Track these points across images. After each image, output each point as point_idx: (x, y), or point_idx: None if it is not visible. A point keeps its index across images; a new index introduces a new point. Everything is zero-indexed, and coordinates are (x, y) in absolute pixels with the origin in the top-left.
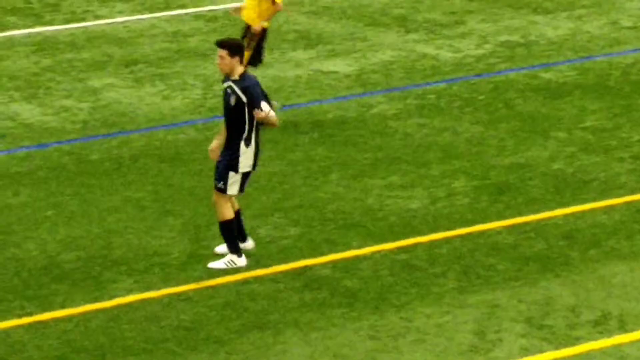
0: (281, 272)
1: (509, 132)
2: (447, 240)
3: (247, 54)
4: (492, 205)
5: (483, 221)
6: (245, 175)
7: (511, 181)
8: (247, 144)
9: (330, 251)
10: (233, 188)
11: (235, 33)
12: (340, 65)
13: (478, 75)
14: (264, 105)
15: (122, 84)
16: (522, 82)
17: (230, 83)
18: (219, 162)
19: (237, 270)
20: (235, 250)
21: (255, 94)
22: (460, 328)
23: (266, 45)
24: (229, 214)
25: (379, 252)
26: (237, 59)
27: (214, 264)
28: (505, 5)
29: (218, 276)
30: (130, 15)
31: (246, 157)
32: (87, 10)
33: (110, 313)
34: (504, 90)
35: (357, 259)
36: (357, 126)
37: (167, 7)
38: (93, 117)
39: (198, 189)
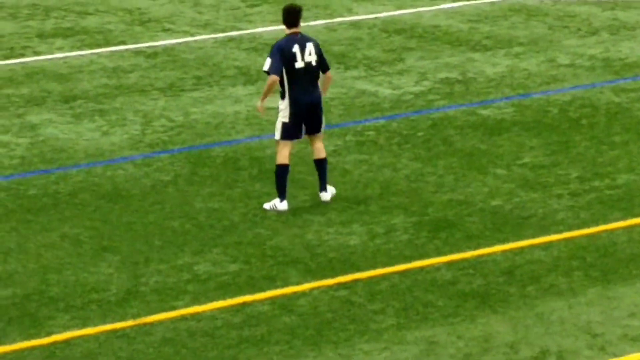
0: (219, 309)
1: (448, 169)
2: (386, 277)
3: None
4: (431, 241)
5: (422, 257)
6: (285, 125)
7: (450, 217)
8: (282, 98)
9: (269, 287)
10: (277, 134)
11: (174, 69)
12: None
13: (417, 111)
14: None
15: (61, 119)
16: (460, 119)
17: None
18: None
19: (174, 307)
20: (279, 194)
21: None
22: None
23: None
24: (280, 159)
25: (317, 288)
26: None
27: (265, 205)
28: (444, 43)
29: (156, 313)
30: (70, 51)
31: (283, 108)
32: (27, 46)
33: (46, 350)
34: (443, 126)
35: (295, 295)
36: (296, 162)
37: (107, 43)
38: (31, 152)
39: (136, 225)
